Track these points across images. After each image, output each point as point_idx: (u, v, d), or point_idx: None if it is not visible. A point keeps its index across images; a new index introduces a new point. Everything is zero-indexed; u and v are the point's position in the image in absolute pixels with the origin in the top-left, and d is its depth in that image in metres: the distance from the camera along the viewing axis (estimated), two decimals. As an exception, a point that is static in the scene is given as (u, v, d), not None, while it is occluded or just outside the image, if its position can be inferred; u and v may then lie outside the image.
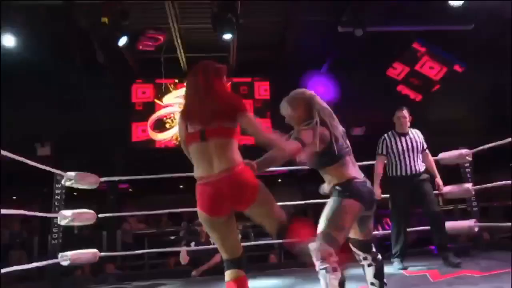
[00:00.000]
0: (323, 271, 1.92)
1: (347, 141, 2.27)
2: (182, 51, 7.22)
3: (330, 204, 2.12)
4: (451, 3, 5.49)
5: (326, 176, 2.23)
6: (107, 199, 7.72)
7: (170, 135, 7.74)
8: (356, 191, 2.10)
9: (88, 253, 3.49)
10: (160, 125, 7.74)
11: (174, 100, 7.84)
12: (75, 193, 7.67)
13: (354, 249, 2.25)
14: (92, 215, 3.56)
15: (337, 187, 2.13)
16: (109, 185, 7.47)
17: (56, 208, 3.51)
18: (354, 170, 2.19)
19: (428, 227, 3.74)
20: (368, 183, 2.19)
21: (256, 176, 1.99)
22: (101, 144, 7.35)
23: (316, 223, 2.10)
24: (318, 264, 1.95)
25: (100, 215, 3.71)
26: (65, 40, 6.28)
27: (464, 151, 3.82)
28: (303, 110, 2.21)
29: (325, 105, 2.27)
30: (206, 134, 1.97)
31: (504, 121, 7.89)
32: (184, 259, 4.55)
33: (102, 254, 3.76)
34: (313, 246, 2.01)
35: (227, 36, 5.85)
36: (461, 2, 5.47)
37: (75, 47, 6.41)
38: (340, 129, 2.26)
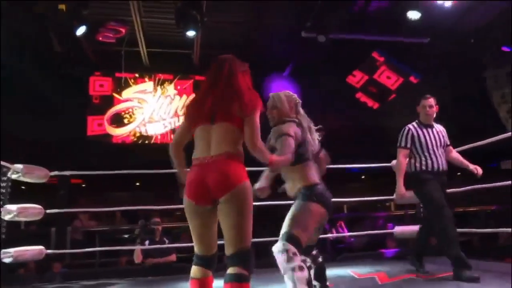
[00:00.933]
0: (290, 271, 1.92)
1: (320, 151, 2.39)
2: (144, 45, 7.08)
3: (295, 206, 2.14)
4: (409, 15, 5.72)
5: (289, 176, 2.26)
6: (57, 194, 7.42)
7: (128, 130, 7.56)
8: (321, 197, 2.15)
9: (33, 250, 3.33)
10: (118, 120, 7.54)
11: (133, 95, 7.67)
12: (23, 187, 7.32)
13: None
14: (39, 210, 3.40)
15: (303, 190, 2.16)
16: (60, 179, 7.18)
17: (1, 202, 3.33)
18: (316, 176, 2.24)
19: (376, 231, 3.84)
20: (327, 190, 2.24)
21: (246, 177, 1.88)
22: (53, 136, 7.05)
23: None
24: (284, 265, 1.95)
25: (48, 211, 3.56)
26: (19, 27, 6.00)
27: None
28: (290, 107, 2.37)
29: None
30: (216, 116, 1.93)
31: (452, 132, 8.33)
32: (137, 257, 4.47)
33: (49, 251, 3.60)
34: (276, 247, 2.02)
35: (191, 33, 5.80)
36: (418, 15, 5.71)
37: (30, 34, 6.15)
38: (315, 136, 2.38)
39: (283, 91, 2.47)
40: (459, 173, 10.78)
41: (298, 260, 1.95)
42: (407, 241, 5.32)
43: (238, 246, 1.81)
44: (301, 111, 2.43)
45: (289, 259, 1.93)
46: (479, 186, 3.54)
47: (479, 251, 5.78)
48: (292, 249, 1.96)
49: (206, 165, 1.88)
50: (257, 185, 2.31)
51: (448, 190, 3.73)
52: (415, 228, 3.87)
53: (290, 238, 2.00)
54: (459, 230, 5.38)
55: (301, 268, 1.93)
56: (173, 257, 4.50)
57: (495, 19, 6.53)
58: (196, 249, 1.96)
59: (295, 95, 2.48)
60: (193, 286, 1.91)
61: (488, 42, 7.00)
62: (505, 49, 6.68)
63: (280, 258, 1.98)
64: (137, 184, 11.00)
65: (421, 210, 4.03)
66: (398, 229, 4.00)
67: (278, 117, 2.36)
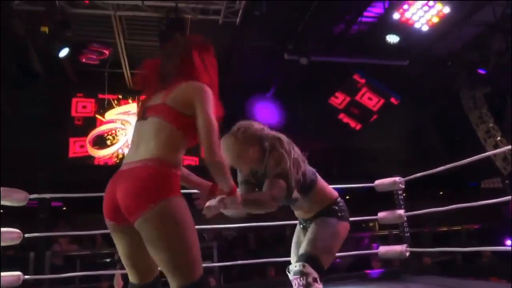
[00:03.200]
0: None
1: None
2: (127, 67, 7.08)
3: (322, 224, 1.88)
4: (388, 39, 5.89)
5: (304, 206, 1.99)
6: (37, 217, 7.23)
7: (111, 152, 7.47)
8: (346, 212, 1.97)
9: (10, 276, 3.21)
10: (101, 142, 7.45)
11: (116, 117, 7.62)
12: (1, 210, 7.10)
13: (289, 274, 1.94)
14: (17, 235, 3.30)
15: (328, 209, 1.93)
16: (40, 202, 7.01)
17: (-23, 227, 3.23)
18: (332, 190, 2.06)
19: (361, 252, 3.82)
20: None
21: (168, 193, 1.40)
22: (34, 159, 6.92)
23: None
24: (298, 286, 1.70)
25: (27, 235, 3.46)
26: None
27: (397, 178, 4.02)
28: (257, 149, 1.86)
29: (275, 133, 1.99)
30: (147, 110, 1.54)
31: (433, 151, 8.49)
32: (118, 283, 4.33)
33: (27, 277, 3.48)
34: (294, 269, 1.76)
35: (174, 55, 5.82)
36: (397, 39, 5.88)
37: (10, 54, 6.08)
38: (297, 151, 1.98)
39: (233, 134, 1.91)
40: (441, 192, 10.97)
41: (317, 287, 1.70)
42: (391, 261, 5.35)
43: (177, 283, 1.39)
44: (272, 133, 2.00)
45: (308, 286, 1.68)
46: (461, 205, 3.59)
47: (462, 270, 5.83)
48: (314, 273, 1.71)
49: (121, 174, 1.50)
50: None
51: (431, 210, 3.79)
52: (399, 248, 3.89)
53: (313, 261, 1.73)
54: (442, 249, 5.44)
55: None
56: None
57: (471, 42, 6.79)
58: (129, 277, 1.61)
59: (249, 123, 2.00)
60: None
61: (465, 64, 7.23)
62: (481, 71, 6.91)
63: (297, 282, 1.71)
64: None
65: (405, 229, 4.06)
66: (383, 249, 4.00)
67: (250, 164, 1.88)
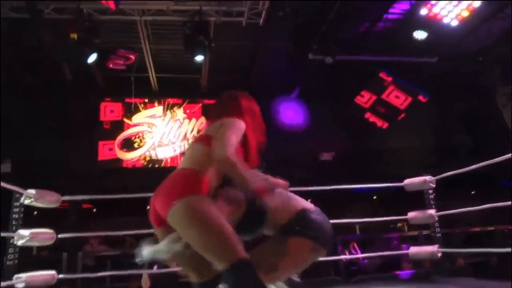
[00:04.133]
0: None
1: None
2: (153, 71, 7.21)
3: (273, 241, 1.72)
4: (416, 35, 5.76)
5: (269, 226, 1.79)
6: (69, 219, 7.43)
7: (138, 154, 7.61)
8: (311, 225, 1.71)
9: (45, 275, 3.31)
10: (128, 145, 7.60)
11: (143, 120, 7.76)
12: (35, 213, 7.34)
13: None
14: (51, 235, 3.40)
15: (288, 223, 1.71)
16: (71, 204, 7.21)
17: (14, 228, 3.34)
18: (300, 199, 1.82)
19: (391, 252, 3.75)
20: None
21: (188, 192, 1.57)
22: (65, 162, 7.13)
23: None
24: None
25: (60, 236, 3.56)
26: (31, 55, 6.16)
27: (428, 177, 3.92)
28: None
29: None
30: (193, 139, 1.96)
31: (463, 149, 8.25)
32: (145, 283, 4.39)
33: (61, 276, 3.58)
34: None
35: (199, 58, 5.88)
36: (425, 35, 5.74)
37: (41, 62, 6.29)
38: None
39: None
40: (473, 192, 10.65)
41: None
42: (422, 262, 5.22)
43: (221, 267, 1.52)
44: None
45: None
46: (495, 204, 3.47)
47: (496, 271, 5.63)
48: None
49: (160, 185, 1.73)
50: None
51: (464, 209, 3.68)
52: (431, 248, 3.80)
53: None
54: (476, 250, 5.27)
55: None
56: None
57: (502, 36, 6.56)
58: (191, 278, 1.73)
59: None
60: None
61: (498, 59, 7.00)
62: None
63: None
64: (148, 208, 10.99)
65: (436, 230, 3.96)
66: (414, 250, 3.91)
67: None
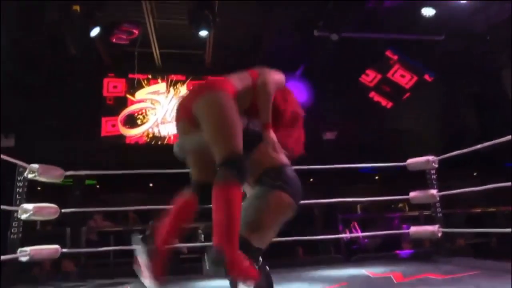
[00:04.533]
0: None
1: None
2: (156, 46, 7.13)
3: (251, 196, 1.71)
4: (424, 12, 5.64)
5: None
6: (72, 195, 7.51)
7: (141, 131, 7.61)
8: (289, 181, 1.70)
9: (49, 249, 3.36)
10: (131, 121, 7.59)
11: (146, 96, 7.72)
12: (39, 188, 7.41)
13: None
14: (55, 210, 3.43)
15: (264, 174, 1.71)
16: (74, 180, 7.27)
17: (18, 202, 3.37)
18: (281, 155, 1.80)
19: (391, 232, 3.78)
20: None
21: (221, 88, 1.78)
22: (68, 138, 7.14)
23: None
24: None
25: (63, 210, 3.59)
26: (34, 30, 6.09)
27: (430, 157, 3.91)
28: None
29: None
30: None
31: (469, 131, 8.20)
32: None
33: (65, 250, 3.63)
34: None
35: (203, 33, 5.81)
36: (433, 12, 5.63)
37: (45, 37, 6.23)
38: None
39: None
40: (475, 173, 10.65)
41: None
42: (422, 242, 5.27)
43: (219, 156, 1.65)
44: None
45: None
46: (496, 185, 3.46)
47: (497, 252, 5.68)
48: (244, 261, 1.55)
49: None
50: None
51: (465, 189, 3.67)
52: (431, 228, 3.82)
53: (243, 245, 1.57)
54: (475, 230, 5.30)
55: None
56: (184, 249, 4.46)
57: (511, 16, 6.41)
58: (193, 177, 1.93)
59: None
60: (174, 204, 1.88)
61: (505, 39, 6.87)
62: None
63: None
64: (151, 185, 11.07)
65: (437, 210, 3.97)
66: (414, 229, 3.94)
67: None
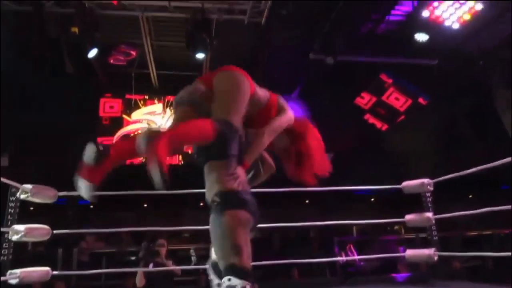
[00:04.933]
0: None
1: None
2: (153, 67, 7.18)
3: (212, 226, 1.72)
4: (417, 37, 5.75)
5: (206, 177, 1.81)
6: (66, 214, 7.43)
7: (137, 151, 7.58)
8: (238, 201, 1.72)
9: (40, 271, 3.29)
10: (127, 141, 7.58)
11: (142, 117, 7.74)
12: (31, 208, 7.33)
13: (210, 273, 1.86)
14: (46, 231, 3.37)
15: (214, 197, 1.73)
16: (68, 200, 7.21)
17: (9, 223, 3.32)
18: (241, 181, 1.81)
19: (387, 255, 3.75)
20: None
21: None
22: (63, 158, 7.10)
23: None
24: None
25: (55, 231, 3.54)
26: (33, 48, 6.13)
27: (425, 180, 3.91)
28: None
29: None
30: None
31: (463, 153, 8.24)
32: (140, 281, 4.35)
33: (56, 272, 3.56)
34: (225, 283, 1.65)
35: (200, 55, 5.87)
36: (426, 37, 5.73)
37: (43, 55, 6.27)
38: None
39: None
40: (471, 196, 10.66)
41: None
42: (418, 265, 5.21)
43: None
44: None
45: None
46: (493, 208, 3.46)
47: (493, 275, 5.63)
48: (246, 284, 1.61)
49: None
50: None
51: (461, 213, 3.66)
52: (427, 251, 3.79)
53: (236, 272, 1.62)
54: (472, 254, 5.27)
55: None
56: (178, 270, 4.40)
57: (503, 40, 6.55)
58: None
59: None
60: None
61: (497, 63, 6.99)
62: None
63: None
64: (145, 205, 10.97)
65: (433, 233, 3.95)
66: (410, 252, 3.90)
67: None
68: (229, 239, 1.66)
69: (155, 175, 1.58)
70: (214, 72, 2.03)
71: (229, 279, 1.61)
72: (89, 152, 1.72)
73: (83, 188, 1.69)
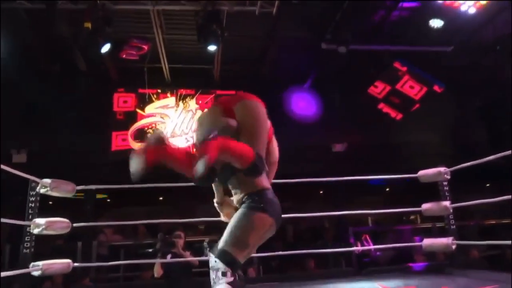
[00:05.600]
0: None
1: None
2: (165, 61, 7.21)
3: (236, 216, 1.88)
4: (432, 24, 5.64)
5: (234, 185, 2.02)
6: (83, 209, 7.54)
7: (151, 145, 7.64)
8: (270, 204, 1.90)
9: (61, 263, 3.36)
10: (141, 135, 7.64)
11: (156, 110, 7.78)
12: (50, 202, 7.46)
13: (206, 250, 2.05)
14: (66, 224, 3.45)
15: (247, 197, 1.91)
16: (86, 194, 7.31)
17: (30, 216, 3.40)
18: (266, 180, 2.00)
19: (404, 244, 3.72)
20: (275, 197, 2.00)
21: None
22: (79, 153, 7.20)
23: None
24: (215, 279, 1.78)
25: (75, 225, 3.61)
26: (45, 46, 6.21)
27: (442, 169, 3.87)
28: None
29: None
30: None
31: (479, 143, 8.11)
32: (157, 272, 4.41)
33: (76, 264, 3.64)
34: (211, 262, 1.85)
35: (212, 48, 5.87)
36: (441, 23, 5.63)
37: (56, 53, 6.34)
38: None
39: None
40: (488, 185, 10.49)
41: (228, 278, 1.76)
42: (435, 255, 5.17)
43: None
44: None
45: (218, 279, 1.77)
46: (509, 197, 3.41)
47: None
48: (223, 268, 1.78)
49: None
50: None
51: (479, 201, 3.62)
52: (445, 240, 3.76)
53: (224, 256, 1.80)
54: (491, 242, 5.20)
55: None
56: (195, 261, 4.44)
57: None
58: None
59: None
60: None
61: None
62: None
63: (212, 275, 1.81)
64: (160, 198, 11.08)
65: (451, 222, 3.91)
66: (427, 242, 3.88)
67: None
68: (244, 234, 1.83)
69: (200, 168, 1.69)
70: (232, 100, 2.11)
71: (215, 261, 1.79)
72: (153, 135, 1.89)
73: (135, 162, 1.83)
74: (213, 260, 1.82)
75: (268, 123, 2.13)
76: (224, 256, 1.79)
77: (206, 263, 1.95)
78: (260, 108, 2.06)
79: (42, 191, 3.38)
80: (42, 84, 6.79)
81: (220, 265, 1.79)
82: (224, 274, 1.77)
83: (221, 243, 1.84)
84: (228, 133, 1.94)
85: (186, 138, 7.77)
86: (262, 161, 1.91)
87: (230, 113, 2.03)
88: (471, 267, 3.88)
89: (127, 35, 6.23)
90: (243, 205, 1.91)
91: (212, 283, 1.81)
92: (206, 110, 2.20)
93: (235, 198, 2.04)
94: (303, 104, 7.68)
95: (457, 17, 5.68)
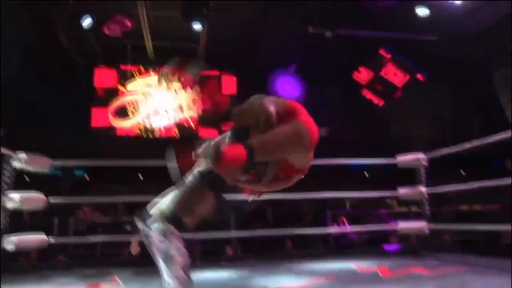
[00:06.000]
0: (165, 246, 1.71)
1: None
2: (149, 38, 7.07)
3: (189, 183, 1.88)
4: (418, 12, 5.67)
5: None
6: (61, 186, 7.46)
7: (132, 123, 7.55)
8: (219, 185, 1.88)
9: (36, 239, 3.33)
10: (123, 112, 7.54)
11: (138, 88, 7.67)
12: (27, 179, 7.33)
13: (139, 222, 1.99)
14: (42, 200, 3.39)
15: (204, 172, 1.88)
16: (63, 172, 7.22)
17: (3, 190, 3.33)
18: None
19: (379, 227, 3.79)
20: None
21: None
22: (58, 128, 7.07)
23: None
24: (158, 242, 1.73)
25: (51, 201, 3.56)
26: (25, 19, 6.02)
27: (420, 155, 3.95)
28: None
29: None
30: None
31: (459, 130, 8.27)
32: (134, 249, 4.40)
33: (52, 240, 3.60)
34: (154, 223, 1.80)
35: (197, 26, 5.78)
36: (427, 12, 5.65)
37: (36, 27, 6.17)
38: None
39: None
40: (464, 173, 10.74)
41: (175, 241, 1.74)
42: (409, 238, 5.31)
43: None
44: None
45: (165, 237, 1.73)
46: (483, 183, 3.50)
47: (482, 249, 5.75)
48: (171, 228, 1.76)
49: None
50: None
51: (453, 187, 3.71)
52: (419, 224, 3.85)
53: (171, 219, 1.79)
54: (462, 227, 5.36)
55: (181, 252, 1.72)
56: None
57: (504, 18, 6.46)
58: None
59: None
60: None
61: (497, 41, 6.92)
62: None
63: (156, 235, 1.76)
64: (141, 177, 11.02)
65: (426, 207, 4.00)
66: (402, 225, 3.98)
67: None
68: (191, 202, 1.86)
69: (208, 152, 1.65)
70: (291, 114, 1.91)
71: (153, 224, 1.79)
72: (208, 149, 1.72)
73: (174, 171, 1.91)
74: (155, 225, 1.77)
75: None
76: (174, 219, 1.79)
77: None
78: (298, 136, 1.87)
79: (17, 165, 3.31)
80: (42, 84, 6.65)
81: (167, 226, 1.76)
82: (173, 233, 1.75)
83: (164, 209, 1.84)
84: (271, 123, 1.84)
85: (168, 117, 7.70)
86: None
87: (281, 121, 1.86)
88: (443, 251, 4.00)
89: (110, 11, 6.08)
90: (198, 175, 1.92)
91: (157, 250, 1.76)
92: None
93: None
94: (288, 88, 7.68)
95: (443, 7, 5.72)
